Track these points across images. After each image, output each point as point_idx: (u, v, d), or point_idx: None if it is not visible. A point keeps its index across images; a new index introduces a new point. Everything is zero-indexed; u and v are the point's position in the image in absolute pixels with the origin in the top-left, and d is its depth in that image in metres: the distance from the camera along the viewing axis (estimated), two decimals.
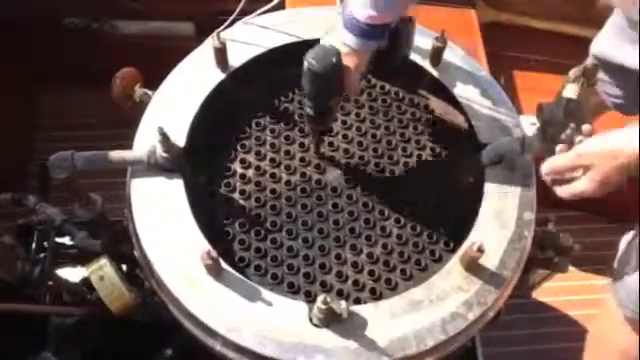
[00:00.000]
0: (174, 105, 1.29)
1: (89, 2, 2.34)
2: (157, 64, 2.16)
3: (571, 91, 1.04)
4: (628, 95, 1.48)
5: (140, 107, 1.43)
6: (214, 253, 1.05)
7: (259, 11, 1.42)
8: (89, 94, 2.30)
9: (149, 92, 1.43)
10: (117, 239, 1.55)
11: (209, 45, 1.34)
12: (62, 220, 1.59)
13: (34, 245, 1.78)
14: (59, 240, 1.72)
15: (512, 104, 1.43)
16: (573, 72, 1.05)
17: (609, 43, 1.45)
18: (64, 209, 1.59)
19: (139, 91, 1.44)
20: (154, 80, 1.48)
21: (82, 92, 2.37)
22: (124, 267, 1.62)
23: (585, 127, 1.39)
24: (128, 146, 1.30)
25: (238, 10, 1.42)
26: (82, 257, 1.62)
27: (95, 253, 1.59)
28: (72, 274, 1.70)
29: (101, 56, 2.37)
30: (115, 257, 1.56)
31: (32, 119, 2.45)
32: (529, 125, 1.60)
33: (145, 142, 1.22)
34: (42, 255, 1.72)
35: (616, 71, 1.45)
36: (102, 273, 1.17)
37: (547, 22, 2.28)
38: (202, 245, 1.10)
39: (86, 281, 1.56)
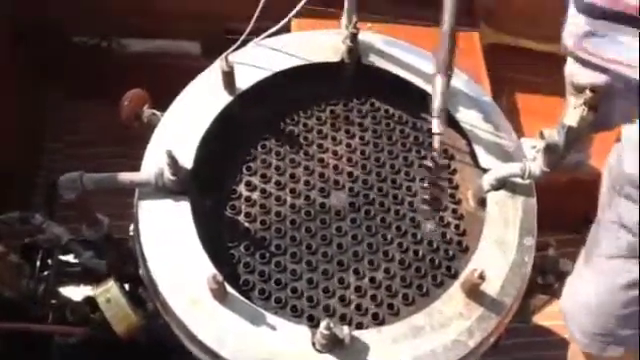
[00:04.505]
0: (182, 128, 1.31)
1: (98, 21, 2.37)
2: (164, 82, 2.20)
3: (572, 119, 1.06)
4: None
5: (148, 127, 1.46)
6: (220, 277, 1.06)
7: (265, 34, 1.44)
8: (96, 110, 2.34)
9: (157, 113, 1.46)
10: (122, 259, 1.57)
11: (217, 67, 1.36)
12: (68, 239, 1.61)
13: (39, 263, 1.80)
14: (63, 258, 1.74)
15: (513, 128, 1.45)
16: (574, 100, 1.07)
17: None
18: (70, 227, 1.62)
19: (147, 112, 1.46)
20: (160, 97, 1.51)
21: (89, 108, 2.41)
22: (128, 286, 1.64)
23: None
24: (132, 163, 1.32)
25: (247, 32, 1.44)
26: (86, 275, 1.64)
27: (100, 273, 1.62)
28: (75, 292, 1.72)
29: (109, 73, 2.41)
30: (120, 276, 1.58)
31: (38, 134, 2.47)
32: (530, 148, 1.62)
33: (153, 164, 1.24)
34: (46, 273, 1.75)
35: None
36: (109, 295, 1.19)
37: (548, 44, 2.31)
38: (208, 268, 1.12)
39: (90, 300, 1.58)
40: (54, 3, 2.24)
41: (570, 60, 1.11)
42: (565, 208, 2.06)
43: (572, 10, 1.02)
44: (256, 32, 1.69)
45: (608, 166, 1.17)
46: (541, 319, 1.86)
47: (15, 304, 1.64)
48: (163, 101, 1.48)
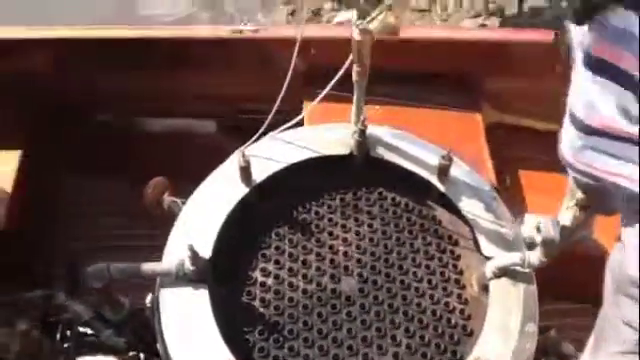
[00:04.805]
0: (201, 219, 1.40)
1: (117, 101, 2.51)
2: (181, 159, 2.33)
3: (565, 218, 1.14)
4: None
5: (169, 213, 1.56)
6: None
7: (281, 128, 1.55)
8: (116, 185, 2.45)
9: (177, 200, 1.56)
10: (141, 335, 1.65)
11: (235, 160, 1.47)
12: (90, 317, 1.70)
13: (58, 336, 1.88)
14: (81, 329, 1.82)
15: (517, 204, 1.52)
16: (566, 202, 1.15)
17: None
18: (88, 299, 1.71)
19: (167, 199, 1.57)
20: (178, 173, 1.63)
21: (107, 185, 2.51)
22: (143, 356, 1.72)
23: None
24: (144, 236, 1.41)
25: (265, 125, 1.54)
26: (103, 347, 1.72)
27: (118, 348, 1.70)
28: None
29: (127, 152, 2.53)
30: (138, 349, 1.66)
31: (55, 206, 2.56)
32: (532, 226, 1.69)
33: (174, 255, 1.32)
34: (66, 345, 1.82)
35: None
36: None
37: (549, 123, 2.41)
38: (225, 355, 1.18)
39: None
40: (73, 84, 2.38)
41: None
42: (569, 280, 2.11)
43: (568, 124, 1.11)
44: (267, 112, 1.84)
45: (610, 265, 1.23)
46: None
47: None
48: (181, 176, 1.59)
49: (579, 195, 1.13)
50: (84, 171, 2.53)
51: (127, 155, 2.52)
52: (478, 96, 2.30)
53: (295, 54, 1.46)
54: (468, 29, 2.81)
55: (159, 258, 1.40)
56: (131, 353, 1.74)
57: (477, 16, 3.95)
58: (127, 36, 2.22)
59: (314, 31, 2.25)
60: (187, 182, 1.59)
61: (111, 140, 2.57)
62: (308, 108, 1.50)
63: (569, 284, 2.05)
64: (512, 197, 2.37)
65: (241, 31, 2.19)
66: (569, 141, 1.10)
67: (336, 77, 1.32)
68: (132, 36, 2.22)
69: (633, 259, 1.14)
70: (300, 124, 1.63)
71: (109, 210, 2.53)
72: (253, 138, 1.54)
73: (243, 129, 2.61)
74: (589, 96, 1.02)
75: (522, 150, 2.44)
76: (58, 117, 2.41)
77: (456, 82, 2.23)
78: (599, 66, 0.98)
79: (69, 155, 2.51)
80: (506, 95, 2.40)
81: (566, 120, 1.11)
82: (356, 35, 1.15)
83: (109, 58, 2.24)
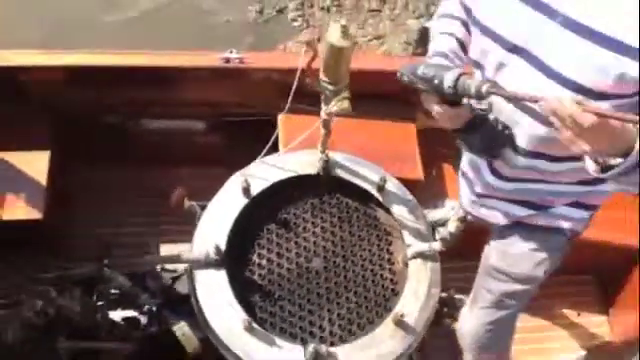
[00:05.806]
0: (217, 223, 2.05)
1: (126, 105, 3.06)
2: (174, 153, 2.97)
3: (452, 227, 1.85)
4: None
5: (189, 213, 2.19)
6: (250, 319, 1.81)
7: (269, 155, 2.18)
8: (120, 173, 3.03)
9: (194, 204, 2.20)
10: (169, 296, 2.32)
11: (236, 180, 2.11)
12: (130, 286, 2.35)
13: (95, 297, 2.53)
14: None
15: (441, 191, 2.24)
16: (453, 217, 1.86)
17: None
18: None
19: (187, 204, 2.20)
20: (170, 162, 2.46)
21: (114, 171, 3.08)
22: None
23: None
24: (147, 213, 2.33)
25: (263, 152, 2.16)
26: (127, 302, 2.39)
27: (149, 305, 2.36)
28: (117, 315, 2.45)
29: (130, 145, 3.11)
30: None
31: (81, 196, 3.12)
32: (450, 209, 2.43)
33: (201, 247, 1.97)
34: (100, 303, 2.48)
35: None
36: (183, 332, 1.92)
37: None
38: (239, 312, 1.87)
39: (130, 320, 2.34)
40: (90, 96, 2.93)
41: None
42: (471, 244, 2.82)
43: (463, 184, 1.82)
44: (246, 115, 2.60)
45: (484, 253, 1.98)
46: None
47: (82, 327, 2.36)
48: (172, 165, 2.41)
49: (461, 213, 1.85)
50: (101, 164, 3.10)
51: (130, 148, 3.09)
52: (413, 109, 2.97)
53: (296, 80, 1.98)
54: (404, 58, 3.47)
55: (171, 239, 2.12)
56: (147, 307, 2.41)
57: (420, 17, 4.58)
58: (130, 63, 2.78)
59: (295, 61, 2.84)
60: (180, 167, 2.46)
61: (117, 138, 3.14)
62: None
63: (470, 248, 2.79)
64: (436, 185, 3.10)
65: (228, 60, 2.78)
66: (466, 197, 1.82)
67: (303, 134, 1.97)
68: (134, 63, 2.77)
69: (493, 253, 1.89)
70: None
71: (124, 196, 3.11)
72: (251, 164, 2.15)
73: (225, 129, 3.24)
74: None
75: (448, 148, 3.14)
76: (78, 122, 2.96)
77: (395, 99, 2.89)
78: None
79: (88, 152, 3.07)
80: None
81: (461, 181, 1.82)
82: (323, 115, 1.80)
83: (116, 77, 2.80)
